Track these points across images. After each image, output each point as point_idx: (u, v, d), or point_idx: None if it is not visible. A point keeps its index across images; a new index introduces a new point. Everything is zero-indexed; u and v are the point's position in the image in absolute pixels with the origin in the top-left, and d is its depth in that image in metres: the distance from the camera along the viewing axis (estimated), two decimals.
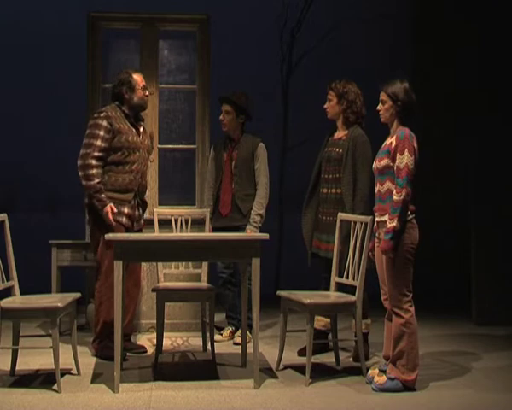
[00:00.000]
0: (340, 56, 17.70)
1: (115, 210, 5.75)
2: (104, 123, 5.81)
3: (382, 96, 5.05)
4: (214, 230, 6.40)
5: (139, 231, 6.03)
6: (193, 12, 7.39)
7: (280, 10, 16.45)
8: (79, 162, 5.78)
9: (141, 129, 6.04)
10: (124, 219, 5.85)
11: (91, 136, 5.81)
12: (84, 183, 5.75)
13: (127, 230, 5.83)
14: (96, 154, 5.76)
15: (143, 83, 6.05)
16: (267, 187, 6.49)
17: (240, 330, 6.46)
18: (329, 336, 5.90)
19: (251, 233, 6.23)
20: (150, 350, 6.08)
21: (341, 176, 5.79)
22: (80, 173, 5.77)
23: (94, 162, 5.75)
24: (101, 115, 5.85)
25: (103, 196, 5.73)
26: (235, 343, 6.36)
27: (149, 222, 6.41)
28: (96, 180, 5.73)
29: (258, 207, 6.43)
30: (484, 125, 7.41)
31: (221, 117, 6.55)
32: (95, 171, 5.74)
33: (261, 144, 6.52)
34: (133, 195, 5.91)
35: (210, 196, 6.61)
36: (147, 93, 6.07)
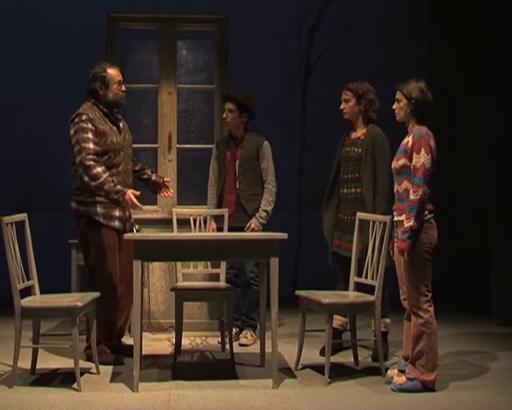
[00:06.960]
0: (358, 55, 17.63)
1: (137, 193, 5.44)
2: (89, 125, 5.53)
3: (398, 94, 5.05)
4: (218, 230, 6.31)
5: (130, 230, 5.81)
6: (211, 12, 7.40)
7: (298, 9, 16.44)
8: (80, 169, 5.45)
9: (121, 125, 5.82)
10: (116, 223, 5.67)
11: (81, 141, 5.49)
12: (93, 184, 5.41)
13: (119, 233, 5.64)
14: (92, 156, 5.46)
15: (119, 78, 5.73)
16: (275, 185, 6.48)
17: (244, 331, 6.46)
18: (344, 335, 5.88)
19: (253, 227, 6.28)
20: (169, 350, 6.10)
21: (361, 175, 5.77)
22: (85, 179, 5.43)
23: (93, 162, 5.43)
24: (83, 118, 5.55)
25: (119, 186, 5.42)
26: (241, 345, 6.33)
27: (168, 222, 6.42)
28: (104, 175, 5.40)
29: (266, 204, 6.42)
30: (501, 123, 7.37)
31: (224, 115, 6.53)
32: (99, 169, 5.42)
33: (266, 143, 6.51)
34: None
35: (214, 195, 6.56)
36: (123, 88, 5.75)
